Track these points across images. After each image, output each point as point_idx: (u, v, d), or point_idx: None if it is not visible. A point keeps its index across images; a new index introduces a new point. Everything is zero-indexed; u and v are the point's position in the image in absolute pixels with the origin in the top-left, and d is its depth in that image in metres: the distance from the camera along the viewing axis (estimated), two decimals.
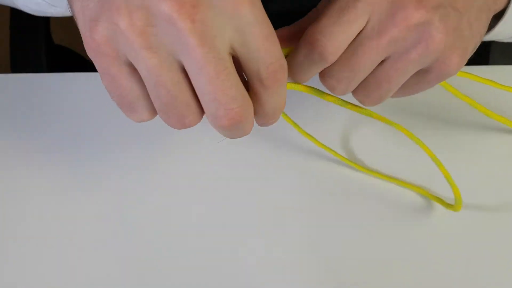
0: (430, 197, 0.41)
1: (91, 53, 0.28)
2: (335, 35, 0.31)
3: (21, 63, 0.51)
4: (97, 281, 0.39)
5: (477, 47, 0.34)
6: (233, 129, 0.28)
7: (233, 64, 0.27)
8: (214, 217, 0.41)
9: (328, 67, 0.32)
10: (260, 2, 0.27)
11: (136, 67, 0.27)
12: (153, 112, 0.29)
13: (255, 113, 0.30)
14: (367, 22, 0.31)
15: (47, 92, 0.48)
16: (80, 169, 0.43)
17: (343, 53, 0.31)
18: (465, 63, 0.33)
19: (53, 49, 0.67)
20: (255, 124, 0.30)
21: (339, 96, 0.35)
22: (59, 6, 0.39)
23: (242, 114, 0.27)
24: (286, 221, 0.41)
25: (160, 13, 0.25)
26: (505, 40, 0.41)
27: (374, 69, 0.32)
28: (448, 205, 0.40)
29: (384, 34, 0.30)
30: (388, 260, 0.39)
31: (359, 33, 0.31)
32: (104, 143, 0.45)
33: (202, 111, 0.28)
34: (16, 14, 0.65)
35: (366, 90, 0.33)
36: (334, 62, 0.31)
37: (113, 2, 0.25)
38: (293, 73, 0.33)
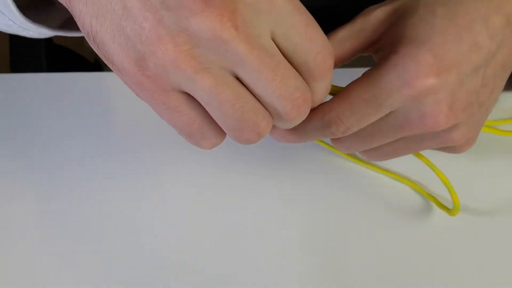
0: (428, 197, 0.41)
1: (146, 93, 0.26)
2: (353, 123, 0.31)
3: (21, 62, 0.51)
4: (97, 282, 0.39)
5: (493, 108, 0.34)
6: (301, 117, 0.28)
7: (282, 55, 0.26)
8: (215, 221, 0.41)
9: (346, 138, 0.32)
10: None
11: (193, 94, 0.26)
12: (222, 134, 0.29)
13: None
14: (396, 111, 0.30)
15: (47, 92, 0.48)
16: (80, 169, 0.43)
17: (360, 130, 0.31)
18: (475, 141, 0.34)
19: (53, 49, 0.67)
20: None
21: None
22: (32, 30, 0.36)
23: (306, 99, 0.27)
24: (282, 218, 0.41)
25: (201, 31, 0.24)
26: None
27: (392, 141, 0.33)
28: (444, 208, 0.40)
29: (406, 130, 0.30)
30: (385, 259, 0.39)
31: (384, 119, 0.31)
32: (104, 143, 0.45)
33: (269, 113, 0.28)
34: None
35: (378, 153, 0.34)
36: (355, 135, 0.32)
37: (153, 33, 0.24)
38: (299, 135, 0.33)
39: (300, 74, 0.27)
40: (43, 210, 0.42)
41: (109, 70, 0.70)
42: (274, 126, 0.29)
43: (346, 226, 0.40)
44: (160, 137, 0.45)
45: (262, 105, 0.27)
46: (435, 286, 0.38)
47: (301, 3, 0.26)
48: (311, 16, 0.27)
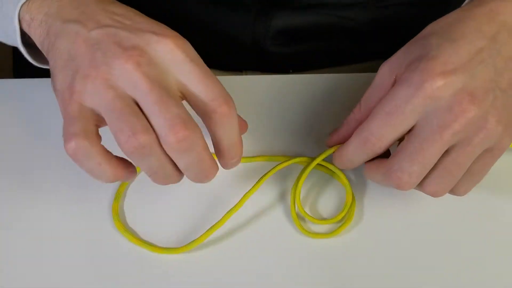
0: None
1: (64, 105, 0.35)
2: (384, 136, 0.35)
3: (23, 67, 0.51)
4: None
5: None
6: (184, 148, 0.33)
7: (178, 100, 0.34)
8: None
9: (398, 162, 0.35)
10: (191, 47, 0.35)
11: (98, 105, 0.34)
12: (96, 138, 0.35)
13: (216, 152, 0.36)
14: (425, 117, 0.34)
15: (49, 96, 0.48)
16: (82, 173, 0.43)
17: (411, 147, 0.34)
18: None
19: None
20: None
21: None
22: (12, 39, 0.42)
23: (186, 128, 0.33)
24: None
25: (115, 67, 0.34)
26: None
27: (442, 158, 0.35)
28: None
29: (446, 128, 0.33)
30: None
31: (420, 127, 0.34)
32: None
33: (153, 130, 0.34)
34: None
35: (438, 179, 0.35)
36: (404, 157, 0.35)
37: (86, 68, 0.35)
38: (342, 161, 0.38)
39: (204, 121, 0.35)
40: (45, 213, 0.42)
41: None
42: None
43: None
44: None
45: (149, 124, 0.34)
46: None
47: (200, 59, 0.35)
48: (209, 71, 0.35)
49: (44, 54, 0.38)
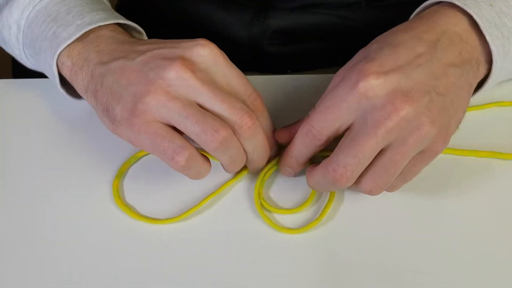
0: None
1: (133, 128, 0.38)
2: (323, 128, 0.37)
3: (23, 68, 0.51)
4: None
5: (461, 121, 0.39)
6: (252, 133, 0.38)
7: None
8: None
9: (334, 157, 0.37)
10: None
11: (168, 117, 0.37)
12: (189, 146, 0.38)
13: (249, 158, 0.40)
14: (361, 115, 0.36)
15: (49, 96, 0.49)
16: (84, 173, 0.44)
17: (346, 141, 0.36)
18: (450, 138, 0.37)
19: None
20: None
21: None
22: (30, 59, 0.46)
23: (251, 116, 0.38)
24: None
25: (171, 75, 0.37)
26: None
27: (378, 157, 0.36)
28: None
29: (379, 125, 0.35)
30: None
31: (356, 125, 0.36)
32: (106, 148, 0.45)
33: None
34: None
35: (373, 177, 0.37)
36: (339, 151, 0.36)
37: (143, 88, 0.38)
38: (286, 160, 0.41)
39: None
40: (48, 213, 0.42)
41: None
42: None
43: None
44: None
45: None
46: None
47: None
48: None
49: (89, 97, 0.41)
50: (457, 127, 0.39)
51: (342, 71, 0.39)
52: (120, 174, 0.44)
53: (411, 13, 0.43)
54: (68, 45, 0.41)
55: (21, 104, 0.49)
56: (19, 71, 0.63)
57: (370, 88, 0.35)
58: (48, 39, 0.42)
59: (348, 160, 0.36)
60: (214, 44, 0.38)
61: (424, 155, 0.37)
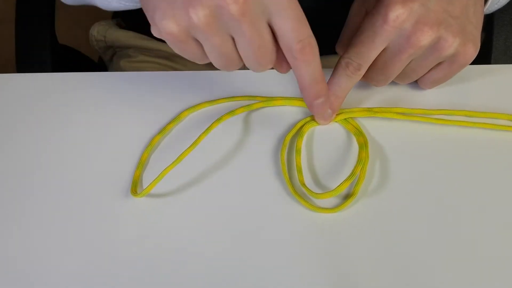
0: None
1: (205, 34, 0.36)
2: (361, 60, 0.42)
3: (27, 62, 0.52)
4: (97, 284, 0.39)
5: (481, 28, 0.43)
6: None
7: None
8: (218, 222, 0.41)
9: (368, 74, 0.43)
10: None
11: (235, 34, 0.37)
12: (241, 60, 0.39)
13: (300, 90, 0.41)
14: (390, 43, 0.41)
15: (52, 91, 0.49)
16: (86, 170, 0.44)
17: (378, 64, 0.43)
18: (479, 47, 0.42)
19: (57, 49, 0.68)
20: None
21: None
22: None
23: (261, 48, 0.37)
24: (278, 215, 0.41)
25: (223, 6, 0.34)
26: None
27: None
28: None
29: (404, 52, 0.41)
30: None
31: (386, 51, 0.41)
32: (108, 143, 0.45)
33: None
34: (22, 15, 0.65)
35: (398, 79, 0.45)
36: (372, 71, 0.43)
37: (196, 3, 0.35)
38: (335, 84, 0.43)
39: (288, 57, 0.38)
40: (47, 212, 0.42)
41: (112, 69, 0.70)
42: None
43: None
44: (164, 136, 0.45)
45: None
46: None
47: (297, 3, 0.36)
48: (303, 14, 0.36)
49: None
50: (479, 33, 0.43)
51: (362, 3, 0.43)
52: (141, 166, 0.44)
53: None
54: None
55: (26, 99, 0.49)
56: (23, 65, 0.63)
57: (398, 19, 0.39)
58: None
59: (380, 78, 0.43)
60: None
61: (453, 66, 0.42)
